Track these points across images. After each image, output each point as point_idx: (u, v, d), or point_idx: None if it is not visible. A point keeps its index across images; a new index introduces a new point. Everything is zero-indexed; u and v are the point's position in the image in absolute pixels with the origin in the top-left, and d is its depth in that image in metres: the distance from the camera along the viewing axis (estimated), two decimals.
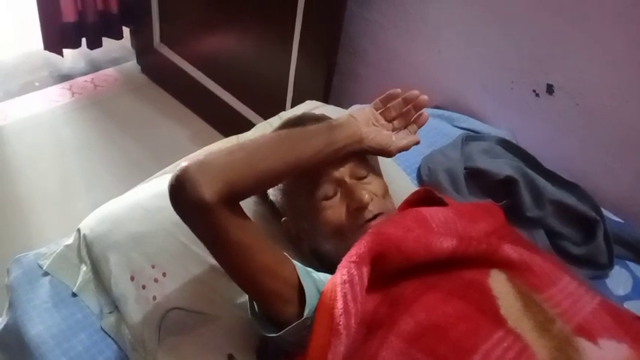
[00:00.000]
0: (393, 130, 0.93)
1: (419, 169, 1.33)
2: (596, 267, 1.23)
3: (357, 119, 0.90)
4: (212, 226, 0.74)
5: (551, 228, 1.23)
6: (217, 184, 0.72)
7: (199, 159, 0.74)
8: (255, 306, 0.83)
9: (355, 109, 1.46)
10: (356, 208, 0.88)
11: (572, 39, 1.37)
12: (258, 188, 0.87)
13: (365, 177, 0.93)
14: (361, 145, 0.88)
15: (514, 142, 1.45)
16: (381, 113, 0.93)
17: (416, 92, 0.91)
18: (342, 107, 1.54)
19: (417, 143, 0.94)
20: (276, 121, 1.34)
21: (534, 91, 1.49)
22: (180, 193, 0.73)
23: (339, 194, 0.91)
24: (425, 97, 0.91)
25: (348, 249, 0.80)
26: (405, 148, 0.93)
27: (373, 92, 0.95)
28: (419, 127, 0.95)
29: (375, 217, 0.89)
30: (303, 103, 1.48)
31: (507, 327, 0.73)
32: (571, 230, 1.25)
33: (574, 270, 1.09)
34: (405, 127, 0.94)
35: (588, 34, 1.34)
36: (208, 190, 0.71)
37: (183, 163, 0.74)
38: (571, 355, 0.73)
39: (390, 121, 0.92)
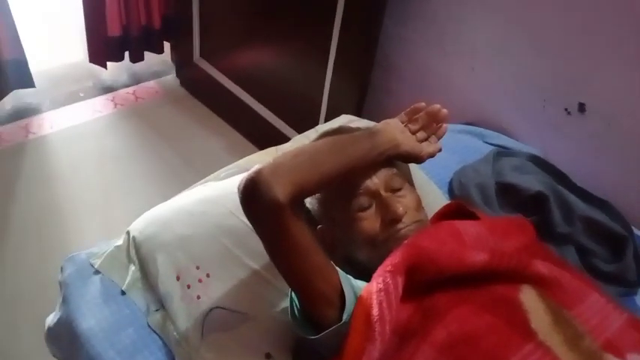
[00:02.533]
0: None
1: (450, 183, 1.35)
2: (625, 284, 1.23)
3: (392, 126, 0.95)
4: (281, 225, 0.79)
5: (581, 245, 1.24)
6: (288, 185, 0.77)
7: (271, 162, 0.80)
8: (296, 310, 0.87)
9: None
10: (390, 220, 0.92)
11: (607, 60, 1.39)
12: (318, 189, 0.92)
13: (399, 189, 0.96)
14: (398, 151, 0.93)
15: (544, 159, 1.47)
16: (405, 126, 0.98)
17: (437, 106, 0.97)
18: (376, 122, 1.58)
19: (440, 150, 1.00)
20: (312, 134, 1.39)
21: (566, 109, 1.50)
22: (255, 193, 0.77)
23: (374, 206, 0.94)
24: (445, 110, 0.97)
25: (381, 258, 0.83)
26: (432, 155, 0.98)
27: (405, 107, 1.01)
28: (439, 138, 1.00)
29: (407, 226, 0.92)
30: (339, 117, 1.52)
31: (537, 340, 0.75)
32: (601, 247, 1.26)
33: (603, 287, 1.10)
34: (427, 139, 0.99)
35: (623, 56, 1.35)
36: (282, 191, 0.76)
37: (256, 166, 0.79)
38: None
39: (413, 133, 0.97)
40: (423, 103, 0.99)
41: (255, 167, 0.79)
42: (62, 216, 1.96)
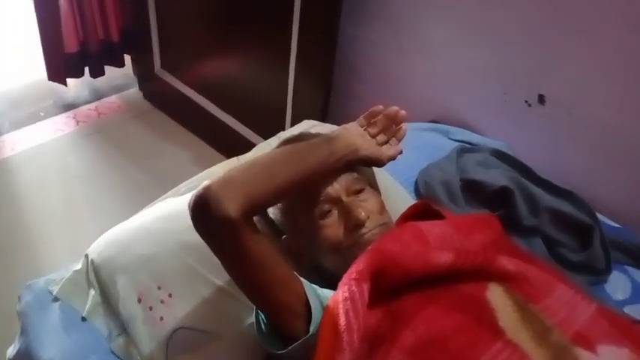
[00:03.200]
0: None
1: (416, 183, 1.34)
2: (594, 273, 1.24)
3: (351, 131, 0.94)
4: (235, 241, 0.77)
5: (548, 236, 1.25)
6: (240, 199, 0.75)
7: (221, 177, 0.78)
8: (262, 324, 0.85)
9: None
10: (353, 226, 0.91)
11: (563, 50, 1.39)
12: (274, 201, 0.91)
13: (360, 192, 0.95)
14: (357, 155, 0.92)
15: (509, 152, 1.47)
16: (365, 129, 0.97)
17: (395, 108, 0.96)
18: (340, 125, 1.57)
19: (401, 152, 0.99)
20: (274, 141, 1.37)
21: (526, 101, 1.51)
22: (205, 210, 0.75)
23: (336, 213, 0.93)
24: (403, 112, 0.97)
25: (347, 264, 0.82)
26: (393, 157, 0.97)
27: (367, 110, 1.00)
28: (399, 140, 1.00)
29: (371, 230, 0.91)
30: (301, 123, 1.51)
31: (506, 338, 0.75)
32: (568, 237, 1.27)
33: (572, 277, 1.11)
34: (387, 142, 0.98)
35: (579, 44, 1.36)
36: (233, 205, 0.74)
37: (205, 182, 0.77)
38: None
39: (373, 136, 0.97)
40: (381, 106, 0.98)
41: (204, 183, 0.77)
42: (27, 239, 1.91)
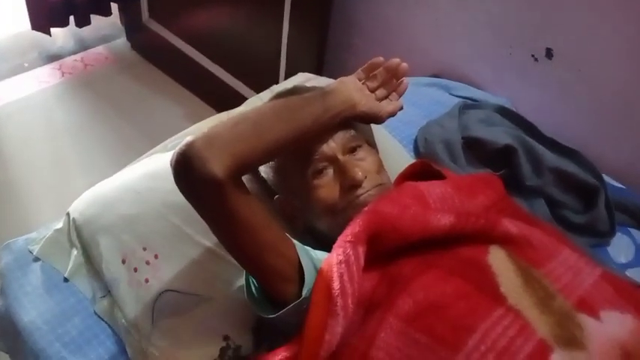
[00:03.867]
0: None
1: (415, 141, 1.30)
2: (597, 235, 1.21)
3: (348, 85, 0.88)
4: (221, 202, 0.72)
5: (551, 197, 1.21)
6: (227, 158, 0.70)
7: (205, 133, 0.72)
8: (253, 287, 0.81)
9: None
10: (349, 186, 0.86)
11: (574, 3, 1.33)
12: (264, 160, 0.85)
13: (357, 150, 0.90)
14: (355, 111, 0.86)
15: (513, 109, 1.42)
16: (363, 83, 0.91)
17: (396, 60, 0.90)
18: (336, 79, 1.51)
19: (402, 108, 0.93)
20: (267, 95, 1.31)
21: (533, 55, 1.45)
22: (188, 170, 0.70)
23: (331, 172, 0.88)
24: (405, 65, 0.90)
25: (342, 226, 0.79)
26: (393, 114, 0.92)
27: (366, 62, 0.93)
28: (400, 95, 0.94)
29: (367, 191, 0.87)
30: (295, 76, 1.44)
31: (507, 304, 0.72)
32: (571, 198, 1.23)
33: (575, 239, 1.08)
34: (387, 97, 0.92)
35: None
36: (218, 165, 0.69)
37: (188, 138, 0.71)
38: (573, 331, 0.71)
39: (372, 91, 0.91)
40: (381, 58, 0.91)
41: (187, 139, 0.71)
42: (11, 197, 1.85)
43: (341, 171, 0.87)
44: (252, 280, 0.82)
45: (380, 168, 0.92)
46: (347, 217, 0.81)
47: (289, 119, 0.80)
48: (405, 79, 0.93)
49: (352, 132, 0.90)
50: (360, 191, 0.86)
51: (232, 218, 0.73)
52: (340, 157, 0.88)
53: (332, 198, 0.87)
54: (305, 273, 0.77)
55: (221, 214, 0.74)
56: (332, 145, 0.87)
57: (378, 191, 0.88)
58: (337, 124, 0.86)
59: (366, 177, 0.87)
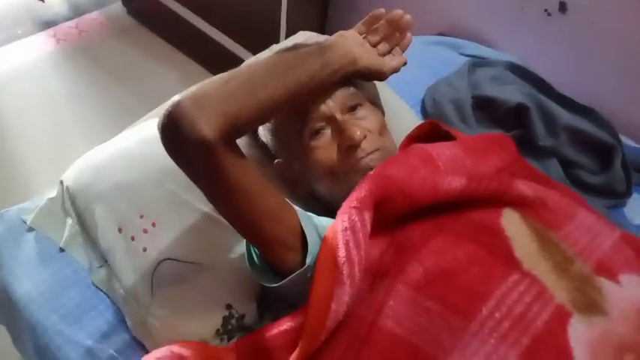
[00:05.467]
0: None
1: (423, 101, 1.25)
2: (613, 196, 1.17)
3: (348, 39, 0.82)
4: (213, 167, 0.67)
5: (565, 157, 1.17)
6: (217, 118, 0.65)
7: (193, 92, 0.66)
8: (254, 256, 0.78)
9: None
10: (347, 147, 0.81)
11: None
12: (259, 120, 0.79)
13: (357, 109, 0.85)
14: (355, 67, 0.81)
15: (524, 66, 1.36)
16: (364, 37, 0.85)
17: (399, 12, 0.85)
18: None
19: (405, 64, 0.88)
20: (266, 54, 1.25)
21: (546, 10, 1.39)
22: (175, 131, 0.65)
23: (329, 132, 0.83)
24: (408, 16, 0.85)
25: (343, 191, 0.75)
26: (397, 69, 0.87)
27: (370, 13, 0.88)
28: (403, 50, 0.88)
29: (368, 155, 0.82)
30: (296, 35, 1.38)
31: (523, 269, 0.69)
32: (587, 158, 1.19)
33: (590, 200, 1.04)
34: (389, 52, 0.87)
35: None
36: (208, 126, 0.64)
37: (175, 97, 0.66)
38: (592, 296, 0.68)
39: (374, 45, 0.85)
40: (383, 10, 0.85)
41: (174, 98, 0.65)
42: (7, 167, 1.81)
43: (339, 130, 0.82)
44: (253, 248, 0.78)
45: (382, 129, 0.87)
46: (348, 182, 0.77)
47: (284, 76, 0.74)
48: (409, 33, 0.87)
49: (352, 89, 0.85)
50: (359, 153, 0.81)
51: (224, 183, 0.69)
52: (339, 116, 0.83)
53: (330, 159, 0.83)
54: (308, 240, 0.73)
55: (214, 179, 0.69)
56: (330, 104, 0.82)
57: (380, 156, 0.83)
58: (336, 81, 0.81)
59: (365, 137, 0.82)
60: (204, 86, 0.68)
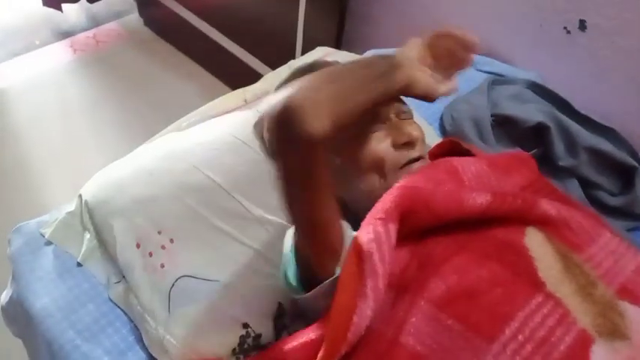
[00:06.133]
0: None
1: (441, 119, 1.24)
2: (633, 218, 1.15)
3: (412, 61, 0.81)
4: (311, 161, 0.68)
5: (585, 177, 1.16)
6: (328, 116, 0.66)
7: (307, 88, 0.68)
8: (291, 269, 0.78)
9: (373, 53, 1.37)
10: (404, 143, 0.81)
11: None
12: (347, 124, 0.77)
13: (408, 118, 0.86)
14: (412, 90, 0.80)
15: (543, 85, 1.34)
16: (424, 57, 0.83)
17: (471, 36, 0.82)
18: (356, 53, 1.45)
19: (456, 91, 0.86)
20: (284, 70, 1.25)
21: (565, 28, 1.37)
22: (288, 124, 0.65)
23: (383, 129, 0.83)
24: (476, 40, 0.83)
25: (385, 189, 0.74)
26: (446, 95, 0.84)
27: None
28: (459, 72, 0.86)
29: (417, 159, 0.82)
30: (314, 50, 1.38)
31: (546, 291, 0.67)
32: (607, 179, 1.18)
33: (610, 222, 1.03)
34: (445, 70, 0.84)
35: None
36: (319, 122, 0.65)
37: (287, 92, 0.66)
38: (615, 321, 0.67)
39: (435, 59, 0.84)
40: (451, 29, 0.82)
41: (287, 93, 0.66)
42: (24, 177, 1.82)
43: (395, 127, 0.83)
44: (292, 259, 0.78)
45: (424, 138, 0.87)
46: (389, 181, 0.77)
47: (369, 87, 0.74)
48: (472, 55, 0.84)
49: (405, 105, 0.87)
50: (412, 153, 0.82)
51: (314, 181, 0.70)
52: (393, 117, 0.84)
53: (384, 151, 0.82)
54: (343, 251, 0.73)
55: (306, 175, 0.69)
56: (385, 108, 0.84)
57: (421, 164, 0.82)
58: (394, 97, 0.83)
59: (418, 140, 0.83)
60: (313, 83, 0.69)
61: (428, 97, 0.83)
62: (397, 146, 0.81)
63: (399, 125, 0.83)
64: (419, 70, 0.81)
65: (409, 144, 0.82)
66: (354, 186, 0.85)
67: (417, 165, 0.82)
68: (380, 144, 0.82)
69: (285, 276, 0.78)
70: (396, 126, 0.83)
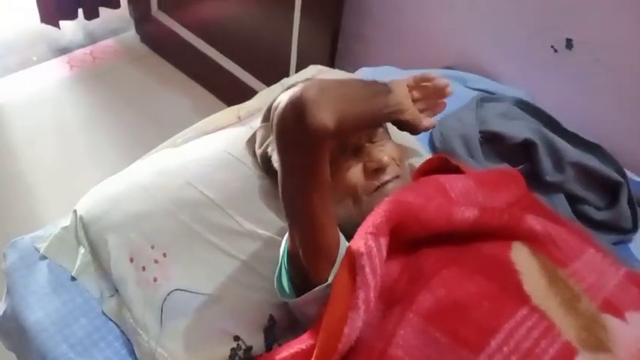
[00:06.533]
0: None
1: (431, 136, 1.25)
2: (619, 232, 1.17)
3: (402, 90, 0.91)
4: (318, 154, 0.71)
5: (572, 192, 1.17)
6: (336, 113, 0.70)
7: (317, 83, 0.72)
8: (284, 275, 0.80)
9: (363, 72, 1.40)
10: (374, 170, 0.84)
11: None
12: (354, 129, 0.84)
13: (379, 140, 0.89)
14: (401, 116, 0.89)
15: (531, 102, 1.37)
16: (409, 92, 0.94)
17: (446, 82, 0.97)
18: (348, 71, 1.48)
19: (434, 127, 0.99)
20: (278, 88, 1.28)
21: (552, 46, 1.40)
22: (301, 114, 0.68)
23: (354, 159, 0.87)
24: (450, 89, 0.97)
25: (361, 214, 0.77)
26: (427, 129, 0.95)
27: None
28: (434, 114, 0.98)
29: (390, 180, 0.85)
30: (307, 69, 1.41)
31: (531, 304, 0.69)
32: (593, 194, 1.19)
33: (596, 236, 1.05)
34: (425, 111, 0.96)
35: None
36: (329, 116, 0.68)
37: (300, 84, 0.71)
38: (598, 335, 0.69)
39: (415, 100, 0.94)
40: (434, 74, 0.97)
41: (300, 86, 0.70)
42: (20, 192, 1.83)
43: (365, 154, 0.86)
44: (284, 266, 0.81)
45: (401, 159, 0.91)
46: (370, 205, 0.79)
47: (369, 102, 0.82)
48: (445, 101, 0.98)
49: (381, 129, 0.92)
50: (383, 177, 0.85)
51: (318, 176, 0.73)
52: (365, 143, 0.87)
53: (356, 180, 0.85)
54: (338, 259, 0.75)
55: (311, 168, 0.73)
56: (358, 136, 0.87)
57: (399, 184, 0.86)
58: (383, 121, 0.90)
59: (389, 162, 0.86)
60: (324, 83, 0.74)
61: (413, 127, 0.92)
62: (367, 173, 0.85)
63: (369, 151, 0.86)
64: (406, 97, 0.91)
65: (379, 170, 0.84)
66: (334, 211, 0.87)
67: (391, 185, 0.84)
68: (351, 171, 0.85)
69: (279, 280, 0.80)
70: (367, 152, 0.86)
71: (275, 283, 0.81)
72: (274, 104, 0.75)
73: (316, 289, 0.75)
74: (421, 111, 0.94)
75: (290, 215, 0.78)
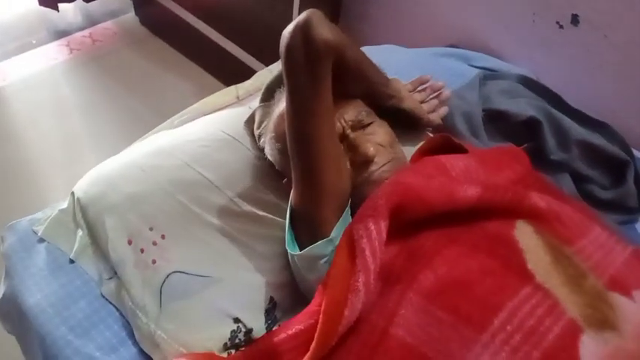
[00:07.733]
0: None
1: None
2: (625, 211, 1.15)
3: (401, 84, 0.98)
4: (321, 71, 0.75)
5: (577, 171, 1.15)
6: (337, 39, 0.75)
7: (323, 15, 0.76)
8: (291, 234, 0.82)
9: None
10: (361, 163, 0.83)
11: None
12: (354, 70, 0.85)
13: (368, 125, 0.87)
14: (401, 104, 0.93)
15: (536, 80, 1.34)
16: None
17: (441, 83, 1.05)
18: None
19: (440, 124, 1.04)
20: (276, 67, 1.26)
21: (558, 22, 1.37)
22: (308, 30, 0.72)
23: (342, 148, 0.85)
24: (448, 92, 1.05)
25: (355, 204, 0.76)
26: (433, 124, 1.02)
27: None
28: (441, 115, 1.04)
29: (381, 167, 0.84)
30: None
31: (535, 282, 0.68)
32: (599, 173, 1.17)
33: (602, 215, 1.03)
34: (431, 111, 1.02)
35: None
36: (332, 37, 0.74)
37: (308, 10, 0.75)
38: (605, 312, 0.68)
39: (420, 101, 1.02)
40: (429, 76, 1.04)
41: (308, 10, 0.74)
42: (20, 176, 1.83)
43: (352, 147, 0.84)
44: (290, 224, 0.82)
45: (393, 141, 0.89)
46: (362, 195, 0.78)
47: (371, 67, 0.89)
48: (445, 107, 1.05)
49: (365, 109, 0.88)
50: (372, 167, 0.83)
51: (320, 96, 0.76)
52: (350, 133, 0.85)
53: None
54: (343, 217, 0.77)
55: (314, 86, 0.75)
56: (342, 122, 0.85)
57: (391, 167, 0.84)
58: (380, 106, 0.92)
59: (377, 151, 0.84)
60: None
61: (416, 119, 0.97)
62: (355, 166, 0.84)
63: (356, 143, 0.84)
64: (407, 91, 0.97)
65: (367, 163, 0.83)
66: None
67: (384, 169, 0.84)
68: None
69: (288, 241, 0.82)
70: (352, 145, 0.84)
71: (288, 227, 0.82)
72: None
73: (319, 242, 0.75)
74: (429, 111, 1.01)
75: (296, 150, 0.79)
